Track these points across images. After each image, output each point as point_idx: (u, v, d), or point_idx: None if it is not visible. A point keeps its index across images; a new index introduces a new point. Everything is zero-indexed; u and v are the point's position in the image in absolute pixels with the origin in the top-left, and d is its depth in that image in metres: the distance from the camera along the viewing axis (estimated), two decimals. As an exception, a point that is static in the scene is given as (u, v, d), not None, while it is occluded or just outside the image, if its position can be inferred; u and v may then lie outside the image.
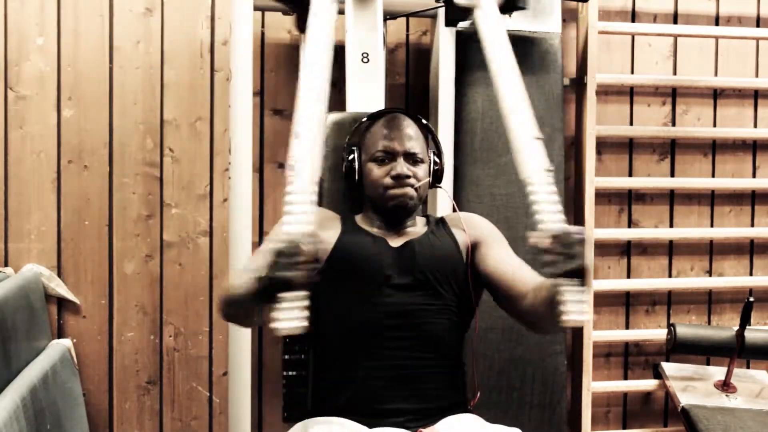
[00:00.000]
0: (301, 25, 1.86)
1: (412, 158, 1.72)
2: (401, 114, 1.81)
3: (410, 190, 1.71)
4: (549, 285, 1.41)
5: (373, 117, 1.83)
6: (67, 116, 2.49)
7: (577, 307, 1.33)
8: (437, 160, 1.81)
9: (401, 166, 1.70)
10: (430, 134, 1.83)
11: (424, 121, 1.82)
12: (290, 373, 2.29)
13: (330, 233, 1.72)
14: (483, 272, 1.72)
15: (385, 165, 1.72)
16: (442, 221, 1.84)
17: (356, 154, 1.77)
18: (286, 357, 2.32)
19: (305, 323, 1.29)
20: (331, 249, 1.69)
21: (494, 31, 1.74)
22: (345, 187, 1.89)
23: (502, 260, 1.72)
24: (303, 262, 1.29)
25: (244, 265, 1.50)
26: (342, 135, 1.94)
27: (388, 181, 1.71)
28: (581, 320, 1.33)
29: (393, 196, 1.70)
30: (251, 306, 1.45)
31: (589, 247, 1.38)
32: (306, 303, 1.30)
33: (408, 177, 1.71)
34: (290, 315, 1.29)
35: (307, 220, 1.37)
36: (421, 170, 1.74)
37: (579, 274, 1.33)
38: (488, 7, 1.73)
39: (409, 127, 1.75)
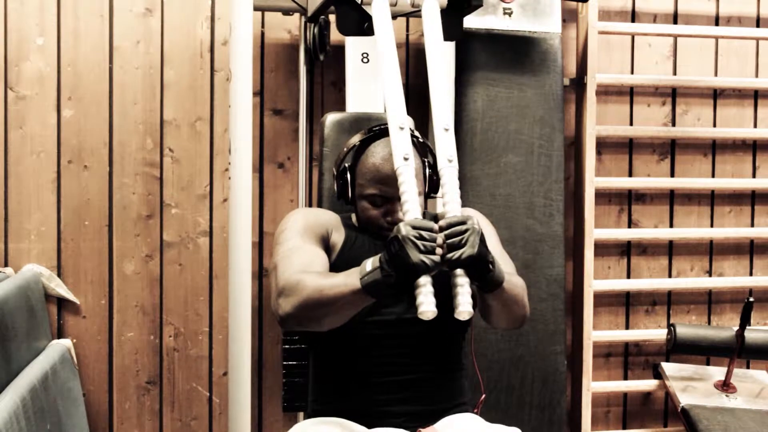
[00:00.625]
0: (344, 26, 1.85)
1: None
2: None
3: None
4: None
5: (368, 140, 1.71)
6: (67, 116, 2.49)
7: (464, 299, 1.37)
8: (432, 171, 1.71)
9: (398, 213, 1.60)
10: (427, 151, 1.75)
11: (420, 139, 1.74)
12: (290, 362, 2.30)
13: (337, 237, 1.70)
14: None
15: (380, 207, 1.66)
16: (438, 219, 1.83)
17: (349, 179, 1.69)
18: (286, 347, 2.32)
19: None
20: (336, 256, 1.67)
21: (432, 25, 1.75)
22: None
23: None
24: (439, 245, 1.34)
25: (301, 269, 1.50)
26: (341, 135, 1.94)
27: (384, 224, 1.66)
28: (467, 313, 1.36)
29: (390, 233, 1.59)
30: (358, 304, 1.44)
31: (482, 240, 1.41)
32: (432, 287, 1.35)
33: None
34: (431, 298, 1.34)
35: (419, 211, 1.45)
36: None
37: (463, 265, 1.37)
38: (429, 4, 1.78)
39: None
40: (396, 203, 1.63)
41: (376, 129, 1.73)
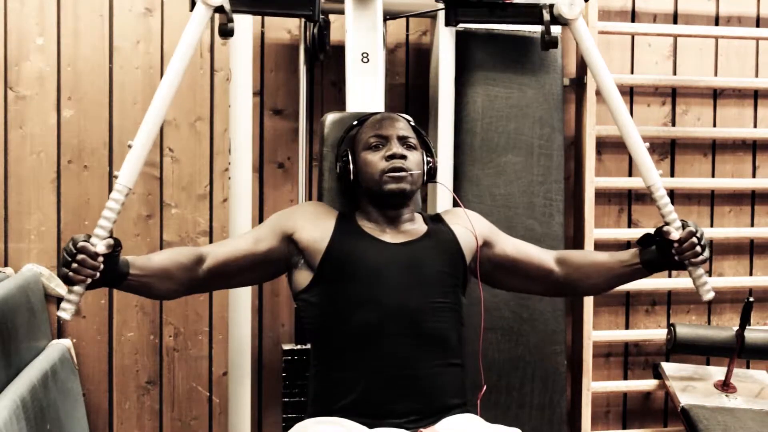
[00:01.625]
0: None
1: (405, 142, 1.76)
2: (391, 113, 1.86)
3: (406, 174, 1.72)
4: (618, 264, 1.83)
5: (363, 119, 1.86)
6: (67, 116, 2.49)
7: (709, 285, 1.79)
8: (429, 159, 1.82)
9: (396, 146, 1.73)
10: (419, 134, 1.85)
11: (412, 123, 1.85)
12: (290, 376, 2.30)
13: (317, 231, 1.72)
14: (506, 260, 1.84)
15: (380, 150, 1.74)
16: (439, 218, 1.84)
17: (349, 154, 1.79)
18: (287, 358, 2.32)
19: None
20: (325, 249, 1.70)
21: (589, 40, 2.02)
22: (343, 187, 1.89)
23: (519, 245, 1.89)
24: (77, 260, 1.50)
25: None
26: (340, 136, 1.94)
27: (384, 164, 1.72)
28: (712, 296, 1.79)
29: (390, 179, 1.71)
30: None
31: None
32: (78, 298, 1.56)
33: (403, 157, 1.72)
34: (64, 306, 1.56)
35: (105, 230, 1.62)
36: (415, 156, 1.76)
37: (704, 263, 1.76)
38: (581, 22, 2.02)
39: (400, 120, 1.80)
40: (392, 141, 1.74)
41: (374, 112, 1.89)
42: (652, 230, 1.81)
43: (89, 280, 1.52)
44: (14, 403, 1.82)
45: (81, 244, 1.50)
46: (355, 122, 1.87)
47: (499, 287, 1.94)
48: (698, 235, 1.73)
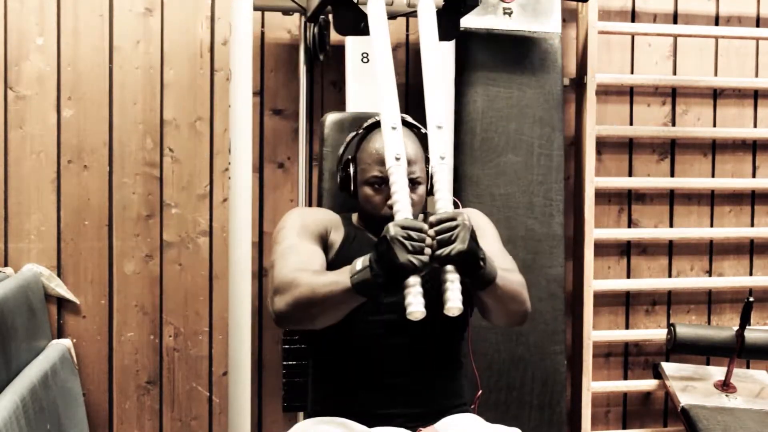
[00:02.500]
0: (341, 26, 1.86)
1: (410, 182, 1.62)
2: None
3: None
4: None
5: (370, 128, 1.75)
6: (67, 116, 2.49)
7: (453, 295, 1.36)
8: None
9: None
10: (425, 141, 1.73)
11: (423, 130, 1.75)
12: (290, 362, 2.30)
13: (336, 236, 1.71)
14: None
15: (381, 192, 1.66)
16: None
17: (352, 169, 1.72)
18: (286, 347, 2.33)
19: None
20: (334, 254, 1.67)
21: (427, 24, 1.74)
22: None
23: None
24: (428, 245, 1.34)
25: (297, 267, 1.52)
26: (341, 135, 1.94)
27: (385, 211, 1.64)
28: (456, 309, 1.36)
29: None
30: (349, 302, 1.44)
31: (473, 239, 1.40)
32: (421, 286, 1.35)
33: None
34: (420, 299, 1.33)
35: (410, 211, 1.44)
36: (420, 191, 1.68)
37: (453, 261, 1.37)
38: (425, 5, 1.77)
39: (407, 146, 1.62)
40: None
41: (377, 119, 1.73)
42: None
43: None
44: (14, 403, 1.83)
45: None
46: (359, 130, 1.77)
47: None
48: (438, 226, 1.39)
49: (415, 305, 1.33)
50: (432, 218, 1.39)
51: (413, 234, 1.35)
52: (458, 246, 1.36)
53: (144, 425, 2.57)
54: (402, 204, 1.47)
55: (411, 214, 1.46)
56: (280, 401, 2.37)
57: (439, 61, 1.73)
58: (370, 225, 1.72)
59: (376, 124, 1.74)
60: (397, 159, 1.52)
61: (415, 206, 1.61)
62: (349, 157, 1.74)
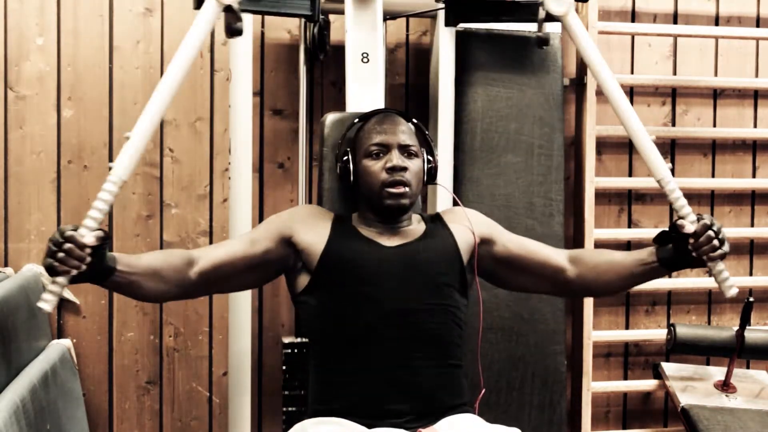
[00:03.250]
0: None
1: (406, 150, 1.73)
2: (392, 112, 1.83)
3: (406, 190, 1.70)
4: (634, 263, 1.72)
5: (364, 117, 1.83)
6: (67, 116, 2.49)
7: (732, 281, 1.67)
8: (430, 158, 1.81)
9: (396, 158, 1.70)
10: (421, 132, 1.83)
11: (415, 120, 1.84)
12: (290, 363, 2.31)
13: (314, 234, 1.72)
14: (509, 257, 1.81)
15: (380, 159, 1.72)
16: (438, 218, 1.84)
17: (350, 155, 1.77)
18: (286, 347, 2.33)
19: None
20: (322, 252, 1.69)
21: (584, 36, 1.91)
22: (342, 188, 1.89)
23: (524, 242, 1.85)
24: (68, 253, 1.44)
25: None
26: (341, 135, 1.94)
27: (384, 176, 1.70)
28: (735, 293, 1.66)
29: (389, 194, 1.70)
30: None
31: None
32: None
33: (404, 169, 1.70)
34: (48, 296, 1.49)
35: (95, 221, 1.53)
36: (415, 164, 1.74)
37: (724, 258, 1.65)
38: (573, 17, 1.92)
39: (402, 123, 1.77)
40: (393, 151, 1.71)
41: (371, 111, 1.85)
42: (651, 229, 1.79)
43: (74, 272, 1.46)
44: (14, 403, 1.82)
45: (68, 233, 1.44)
46: (356, 120, 1.85)
47: (505, 286, 1.91)
48: (714, 228, 1.62)
49: (41, 301, 1.48)
50: (707, 220, 1.63)
51: (58, 238, 1.45)
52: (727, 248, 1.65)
53: (144, 425, 2.57)
54: (91, 214, 1.53)
55: (96, 224, 1.51)
56: (280, 401, 2.37)
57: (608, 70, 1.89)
58: (367, 219, 1.76)
59: (371, 114, 1.83)
60: (126, 138, 1.65)
61: (414, 180, 1.72)
62: (347, 149, 1.80)
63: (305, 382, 2.09)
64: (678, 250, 1.67)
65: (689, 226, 1.63)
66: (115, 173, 1.58)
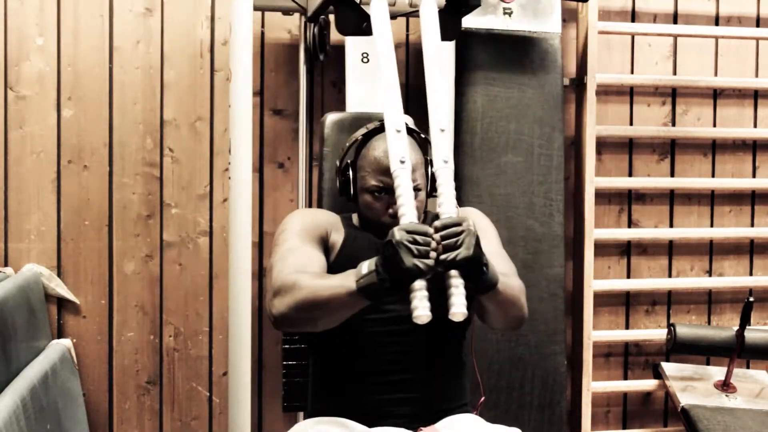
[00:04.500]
0: (343, 26, 1.84)
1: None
2: None
3: None
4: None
5: (369, 134, 1.73)
6: (67, 116, 2.49)
7: (458, 300, 1.37)
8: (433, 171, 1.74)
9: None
10: (424, 142, 1.76)
11: (422, 135, 1.75)
12: (290, 362, 2.30)
13: (337, 237, 1.70)
14: None
15: (382, 200, 1.66)
16: (438, 218, 1.82)
17: (351, 175, 1.72)
18: (286, 347, 2.32)
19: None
20: (336, 255, 1.67)
21: (430, 25, 1.72)
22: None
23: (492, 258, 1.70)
24: (433, 249, 1.35)
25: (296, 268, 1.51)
26: (341, 135, 1.94)
27: (386, 219, 1.65)
28: (461, 314, 1.36)
29: (392, 225, 1.60)
30: (354, 306, 1.44)
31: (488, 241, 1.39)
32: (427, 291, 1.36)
33: None
34: (425, 303, 1.34)
35: (415, 215, 1.44)
36: (420, 197, 1.68)
37: (458, 266, 1.37)
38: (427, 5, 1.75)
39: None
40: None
41: (378, 124, 1.73)
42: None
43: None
44: (14, 403, 1.83)
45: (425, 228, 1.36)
46: (359, 136, 1.75)
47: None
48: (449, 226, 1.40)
49: (421, 309, 1.34)
50: (437, 223, 1.40)
51: (419, 238, 1.36)
52: (463, 252, 1.36)
53: (144, 425, 2.57)
54: (407, 208, 1.46)
55: (416, 218, 1.46)
56: (280, 401, 2.37)
57: (441, 63, 1.71)
58: (371, 226, 1.71)
59: (375, 130, 1.73)
60: (402, 162, 1.52)
61: (416, 212, 1.59)
62: (348, 162, 1.73)
63: (306, 355, 2.07)
64: None
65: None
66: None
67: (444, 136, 1.58)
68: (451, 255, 1.36)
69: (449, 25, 1.89)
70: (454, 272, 1.38)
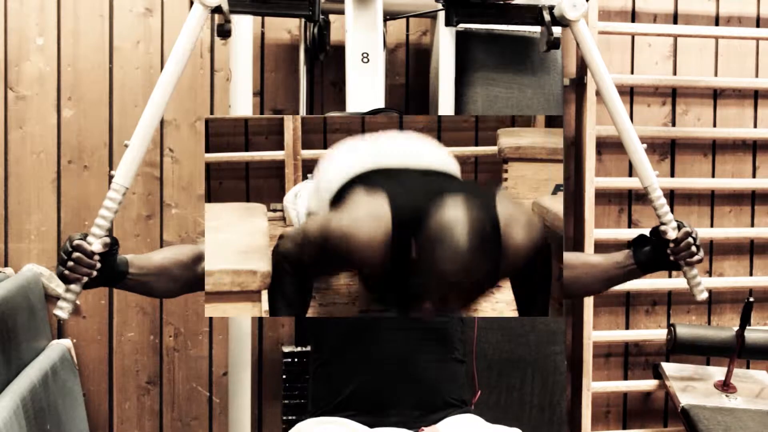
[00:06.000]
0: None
1: None
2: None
3: None
4: (612, 265, 1.86)
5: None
6: (67, 116, 2.49)
7: (702, 287, 1.85)
8: None
9: None
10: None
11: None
12: (290, 362, 2.30)
13: None
14: None
15: None
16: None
17: None
18: (286, 347, 2.32)
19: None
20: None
21: (590, 40, 1.98)
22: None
23: None
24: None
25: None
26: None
27: None
28: (705, 297, 1.85)
29: None
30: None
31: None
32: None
33: None
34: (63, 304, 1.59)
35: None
36: None
37: (699, 263, 1.80)
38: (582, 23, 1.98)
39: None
40: None
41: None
42: (647, 231, 1.81)
43: (86, 279, 1.53)
44: (14, 403, 1.82)
45: (77, 242, 1.51)
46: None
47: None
48: (693, 235, 1.78)
49: (57, 309, 1.60)
50: (688, 228, 1.77)
51: (68, 247, 1.54)
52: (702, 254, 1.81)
53: (144, 425, 2.57)
54: (98, 222, 1.63)
55: (102, 231, 1.61)
56: (280, 401, 2.37)
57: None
58: None
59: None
60: (126, 146, 1.72)
61: None
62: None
63: (305, 391, 2.10)
64: (656, 254, 1.79)
65: (671, 232, 1.78)
66: (117, 181, 1.64)
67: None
68: (701, 254, 1.79)
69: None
70: (694, 268, 1.83)
